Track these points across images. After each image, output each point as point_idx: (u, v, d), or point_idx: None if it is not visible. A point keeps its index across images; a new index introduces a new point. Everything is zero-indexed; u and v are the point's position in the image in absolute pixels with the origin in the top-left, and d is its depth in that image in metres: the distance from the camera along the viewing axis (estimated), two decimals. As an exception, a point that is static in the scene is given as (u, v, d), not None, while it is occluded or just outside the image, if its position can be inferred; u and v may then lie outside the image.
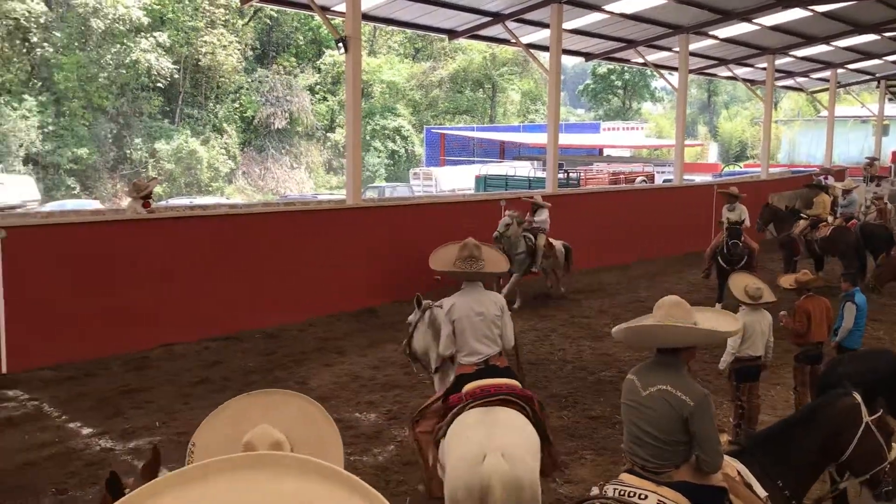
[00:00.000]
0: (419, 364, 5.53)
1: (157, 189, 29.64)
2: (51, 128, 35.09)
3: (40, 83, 36.03)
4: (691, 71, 22.12)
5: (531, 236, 12.25)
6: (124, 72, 36.87)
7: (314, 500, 1.29)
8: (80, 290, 8.96)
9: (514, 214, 11.79)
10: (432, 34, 21.07)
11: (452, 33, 17.61)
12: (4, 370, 8.39)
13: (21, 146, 33.46)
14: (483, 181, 30.84)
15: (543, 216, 12.67)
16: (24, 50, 35.77)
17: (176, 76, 39.04)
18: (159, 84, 38.18)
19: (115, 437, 6.85)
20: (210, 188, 38.11)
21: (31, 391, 7.95)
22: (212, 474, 1.30)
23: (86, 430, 7.00)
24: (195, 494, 1.27)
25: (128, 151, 37.76)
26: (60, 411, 7.47)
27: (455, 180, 34.11)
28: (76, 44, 36.46)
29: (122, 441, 6.76)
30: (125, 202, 16.75)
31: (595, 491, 3.47)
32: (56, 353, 8.64)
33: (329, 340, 10.15)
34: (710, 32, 19.23)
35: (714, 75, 27.09)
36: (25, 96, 34.68)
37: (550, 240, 12.51)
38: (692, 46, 19.67)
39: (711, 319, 3.68)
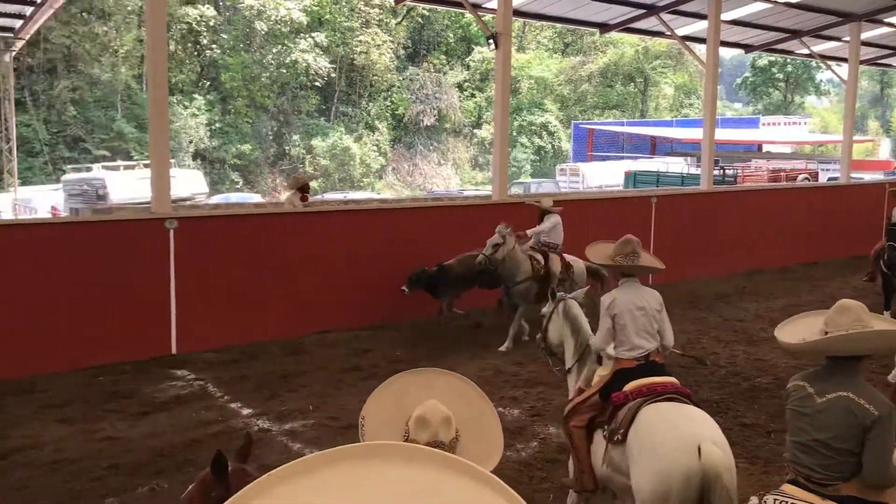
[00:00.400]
0: (555, 358, 5.51)
1: (313, 184, 30.96)
2: (217, 125, 37.37)
3: (209, 83, 38.46)
4: (862, 62, 20.64)
5: (539, 257, 9.78)
6: (284, 71, 38.71)
7: (435, 486, 1.25)
8: (242, 278, 9.50)
9: (507, 230, 9.47)
10: (583, 28, 20.78)
11: (604, 27, 17.29)
12: (174, 351, 9.03)
13: (191, 142, 35.80)
14: (633, 177, 30.10)
15: (550, 226, 9.91)
16: (195, 52, 38.30)
17: (332, 75, 40.54)
18: (316, 83, 39.79)
19: (271, 418, 7.21)
20: (361, 184, 39.34)
21: (198, 371, 8.51)
22: (322, 466, 1.28)
23: (246, 411, 7.42)
24: (308, 486, 1.25)
25: (286, 148, 39.62)
26: (223, 391, 7.95)
27: (603, 176, 33.53)
28: (241, 45, 38.63)
29: (279, 422, 7.11)
30: (284, 196, 17.56)
31: (754, 501, 3.33)
32: (220, 336, 9.21)
33: (474, 334, 10.25)
34: (886, 20, 17.87)
35: (889, 66, 25.17)
36: (195, 95, 37.11)
37: (568, 257, 9.95)
38: (864, 35, 18.34)
39: (885, 327, 3.43)
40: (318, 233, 10.22)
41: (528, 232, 9.91)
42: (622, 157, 39.07)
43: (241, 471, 2.50)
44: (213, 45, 38.13)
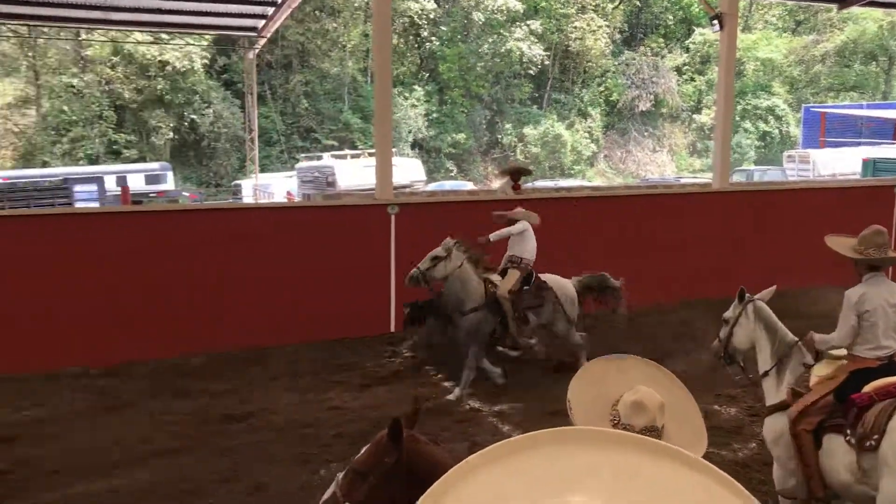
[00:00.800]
0: (736, 365, 5.20)
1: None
2: (434, 115, 38.66)
3: (427, 74, 39.87)
4: None
5: (496, 279, 7.82)
6: (499, 60, 39.25)
7: (636, 469, 1.26)
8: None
9: (453, 243, 7.70)
10: (817, 4, 19.27)
11: (843, 2, 15.94)
12: (392, 329, 9.52)
13: (410, 132, 37.31)
14: (871, 165, 27.48)
15: (518, 230, 8.02)
16: (416, 45, 39.83)
17: (546, 63, 40.55)
18: (530, 71, 40.00)
19: (482, 398, 7.43)
20: (572, 171, 39.12)
21: (415, 349, 8.93)
22: (519, 450, 1.30)
23: (458, 390, 7.68)
24: (507, 470, 1.27)
25: (499, 136, 40.22)
26: (437, 370, 8.30)
27: (836, 164, 30.94)
28: (459, 36, 39.65)
29: (489, 403, 7.31)
30: (496, 184, 17.85)
31: None
32: (434, 317, 9.57)
33: (685, 327, 9.88)
34: None
35: None
36: (415, 87, 38.61)
37: (546, 276, 8.01)
38: None
39: None
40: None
41: (491, 236, 8.00)
42: (860, 143, 35.78)
43: (412, 437, 2.61)
44: (433, 38, 39.45)
